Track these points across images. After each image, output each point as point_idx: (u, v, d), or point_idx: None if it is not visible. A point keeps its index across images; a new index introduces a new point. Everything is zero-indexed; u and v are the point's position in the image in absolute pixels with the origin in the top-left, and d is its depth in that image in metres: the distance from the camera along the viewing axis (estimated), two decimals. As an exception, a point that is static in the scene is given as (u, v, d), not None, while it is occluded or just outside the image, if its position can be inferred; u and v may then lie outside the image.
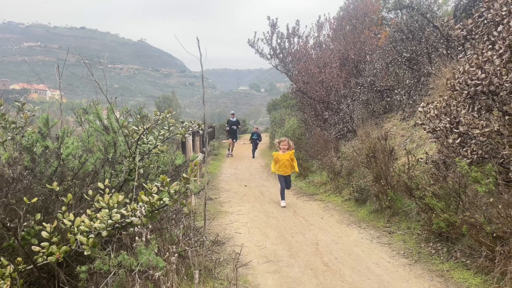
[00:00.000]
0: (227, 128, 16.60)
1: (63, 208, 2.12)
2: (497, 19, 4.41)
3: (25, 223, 2.39)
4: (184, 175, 2.09)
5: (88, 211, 2.27)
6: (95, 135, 3.55)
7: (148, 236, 2.14)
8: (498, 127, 4.12)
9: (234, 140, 16.83)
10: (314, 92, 12.28)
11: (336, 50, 13.31)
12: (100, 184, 2.36)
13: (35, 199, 2.30)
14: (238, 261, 4.23)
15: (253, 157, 15.73)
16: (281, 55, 15.80)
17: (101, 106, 3.75)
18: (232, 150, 16.64)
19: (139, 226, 2.06)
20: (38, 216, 2.39)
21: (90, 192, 2.40)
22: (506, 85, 3.96)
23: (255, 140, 16.20)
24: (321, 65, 12.79)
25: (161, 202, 2.08)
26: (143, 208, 2.01)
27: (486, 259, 3.66)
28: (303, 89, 13.10)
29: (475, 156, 4.38)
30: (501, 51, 3.97)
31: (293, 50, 15.72)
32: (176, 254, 2.29)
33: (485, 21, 4.72)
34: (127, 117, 4.19)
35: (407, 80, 9.27)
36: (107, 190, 2.36)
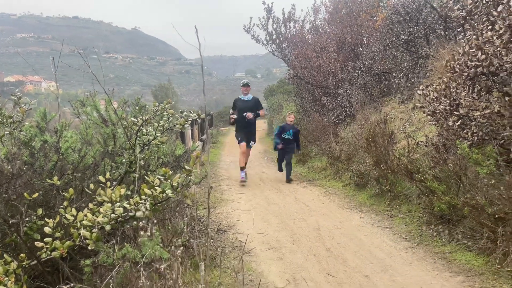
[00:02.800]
0: (233, 116, 8.29)
1: (65, 203, 2.11)
2: (496, -1, 4.35)
3: (26, 219, 2.37)
4: (186, 166, 2.08)
5: (90, 205, 2.25)
6: (93, 127, 3.51)
7: (149, 232, 2.13)
8: (498, 108, 4.11)
9: (251, 143, 8.38)
10: (311, 77, 12.22)
11: (333, 34, 13.21)
12: (101, 178, 2.34)
13: (36, 194, 2.28)
14: (241, 248, 4.25)
15: (283, 171, 8.51)
16: (277, 41, 15.64)
17: (98, 97, 3.71)
18: (245, 164, 8.38)
19: (143, 221, 2.05)
20: (40, 211, 2.38)
21: (92, 185, 2.38)
22: (507, 65, 3.93)
23: (290, 142, 8.24)
24: (318, 50, 12.70)
25: (164, 194, 2.07)
26: (147, 202, 2.00)
27: (488, 241, 3.67)
28: (300, 74, 13.02)
29: (476, 138, 4.37)
30: (501, 31, 3.93)
31: (289, 35, 15.56)
32: (181, 248, 2.28)
33: (484, 1, 4.67)
34: (124, 108, 4.15)
35: (405, 63, 9.20)
36: (108, 183, 2.34)
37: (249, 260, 3.99)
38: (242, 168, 8.12)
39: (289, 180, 8.07)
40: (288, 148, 8.21)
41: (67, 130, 2.98)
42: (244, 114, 8.07)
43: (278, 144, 8.20)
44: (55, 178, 2.42)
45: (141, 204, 2.04)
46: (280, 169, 8.59)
